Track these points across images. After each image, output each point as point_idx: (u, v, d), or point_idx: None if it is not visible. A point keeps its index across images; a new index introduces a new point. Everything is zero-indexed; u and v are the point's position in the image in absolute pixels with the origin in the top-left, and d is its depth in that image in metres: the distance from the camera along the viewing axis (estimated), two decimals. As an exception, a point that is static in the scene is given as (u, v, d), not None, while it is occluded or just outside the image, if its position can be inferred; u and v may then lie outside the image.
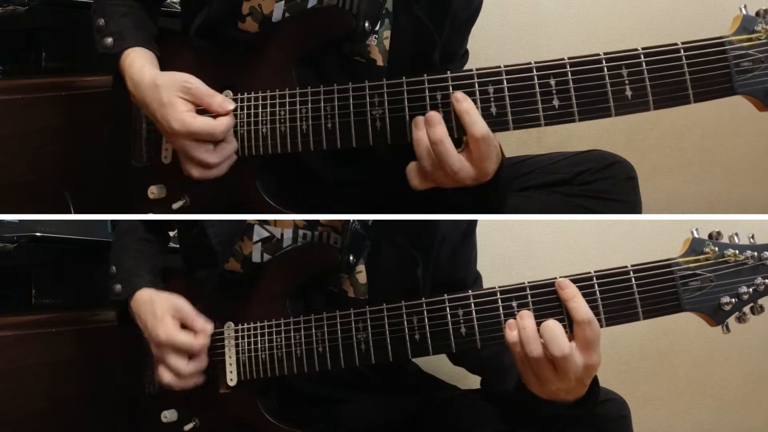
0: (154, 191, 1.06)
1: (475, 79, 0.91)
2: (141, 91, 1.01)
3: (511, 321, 0.89)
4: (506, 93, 0.90)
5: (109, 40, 1.06)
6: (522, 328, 0.88)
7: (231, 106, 0.99)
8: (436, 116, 0.92)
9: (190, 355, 1.03)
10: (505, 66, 0.91)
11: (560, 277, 0.90)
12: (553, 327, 0.87)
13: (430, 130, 0.92)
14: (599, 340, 0.87)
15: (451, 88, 0.92)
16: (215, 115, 0.99)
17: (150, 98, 1.00)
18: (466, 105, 0.90)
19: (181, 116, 0.97)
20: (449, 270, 1.12)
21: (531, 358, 0.87)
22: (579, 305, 0.87)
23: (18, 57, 1.28)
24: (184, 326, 1.04)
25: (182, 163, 1.01)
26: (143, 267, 1.12)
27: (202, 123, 0.97)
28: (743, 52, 0.85)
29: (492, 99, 0.90)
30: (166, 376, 1.02)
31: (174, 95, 0.98)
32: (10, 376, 1.20)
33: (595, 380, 0.91)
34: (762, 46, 0.85)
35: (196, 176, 1.00)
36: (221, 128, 0.98)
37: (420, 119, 0.93)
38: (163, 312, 1.03)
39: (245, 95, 1.01)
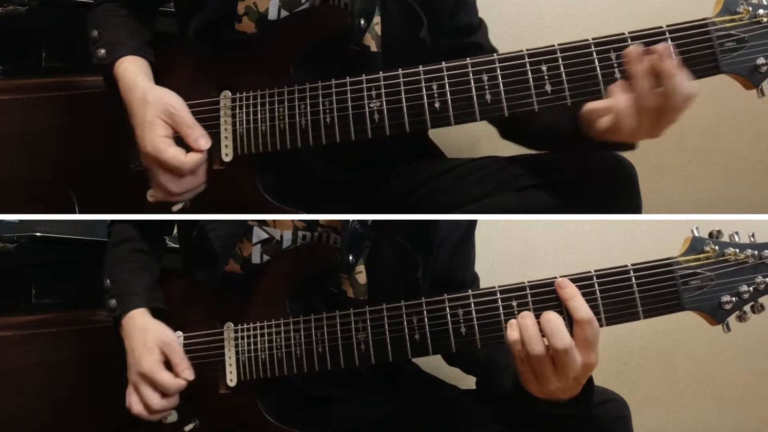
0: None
1: (470, 68, 0.93)
2: (130, 102, 1.02)
3: (512, 321, 0.89)
4: (500, 80, 0.92)
5: (102, 51, 1.06)
6: (524, 327, 0.88)
7: (206, 145, 1.00)
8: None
9: (163, 393, 1.03)
10: (498, 54, 0.93)
11: (560, 276, 0.90)
12: (554, 319, 0.87)
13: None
14: (598, 339, 0.87)
15: (446, 78, 0.94)
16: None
17: (136, 111, 1.01)
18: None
19: (156, 140, 0.98)
20: (447, 271, 1.13)
21: (532, 357, 0.87)
22: (579, 305, 0.87)
23: (18, 57, 1.27)
24: (168, 363, 1.04)
25: (149, 180, 1.02)
26: (139, 283, 1.12)
27: (172, 155, 0.98)
28: (726, 32, 0.87)
29: (486, 87, 0.92)
30: (135, 406, 1.03)
31: (157, 116, 0.99)
32: (10, 376, 1.20)
33: (590, 380, 0.91)
34: (744, 26, 0.87)
35: (157, 198, 1.01)
36: (189, 165, 0.99)
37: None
38: (153, 344, 1.04)
39: (244, 94, 1.02)
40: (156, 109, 0.99)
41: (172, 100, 1.01)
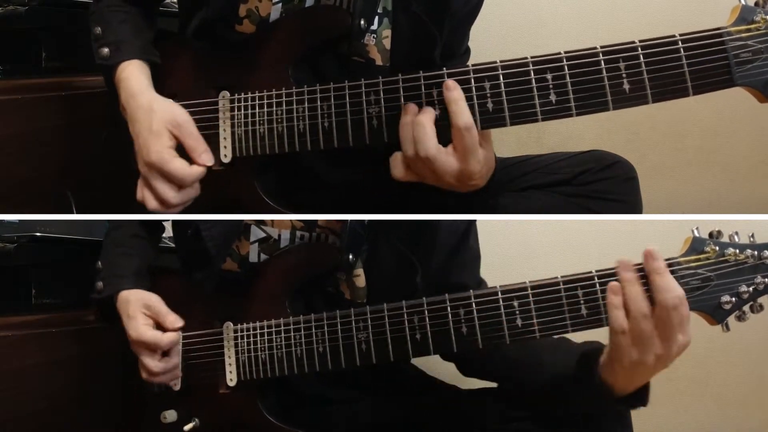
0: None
1: (471, 75, 0.90)
2: (133, 109, 1.01)
3: (613, 284, 0.87)
4: (503, 89, 0.89)
5: (106, 50, 1.05)
6: (627, 285, 0.86)
7: (209, 161, 0.99)
8: (428, 108, 0.91)
9: (162, 352, 1.05)
10: (501, 61, 0.89)
11: (561, 276, 0.90)
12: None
13: (417, 115, 0.90)
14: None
15: None
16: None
17: (141, 119, 1.00)
18: (456, 94, 0.89)
19: (162, 150, 0.97)
20: (444, 276, 1.11)
21: (634, 318, 0.85)
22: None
23: (18, 57, 1.27)
24: (159, 324, 1.06)
25: (139, 187, 1.01)
26: (130, 266, 1.13)
27: (178, 166, 0.97)
28: (742, 42, 0.83)
29: (488, 95, 0.89)
30: (142, 373, 1.07)
31: (163, 126, 0.98)
32: (10, 376, 1.20)
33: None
34: (761, 37, 0.83)
35: (149, 207, 0.99)
36: (192, 178, 0.98)
37: (411, 105, 0.91)
38: (135, 310, 1.06)
39: (242, 95, 1.01)
40: (163, 119, 0.98)
41: (179, 112, 1.00)
